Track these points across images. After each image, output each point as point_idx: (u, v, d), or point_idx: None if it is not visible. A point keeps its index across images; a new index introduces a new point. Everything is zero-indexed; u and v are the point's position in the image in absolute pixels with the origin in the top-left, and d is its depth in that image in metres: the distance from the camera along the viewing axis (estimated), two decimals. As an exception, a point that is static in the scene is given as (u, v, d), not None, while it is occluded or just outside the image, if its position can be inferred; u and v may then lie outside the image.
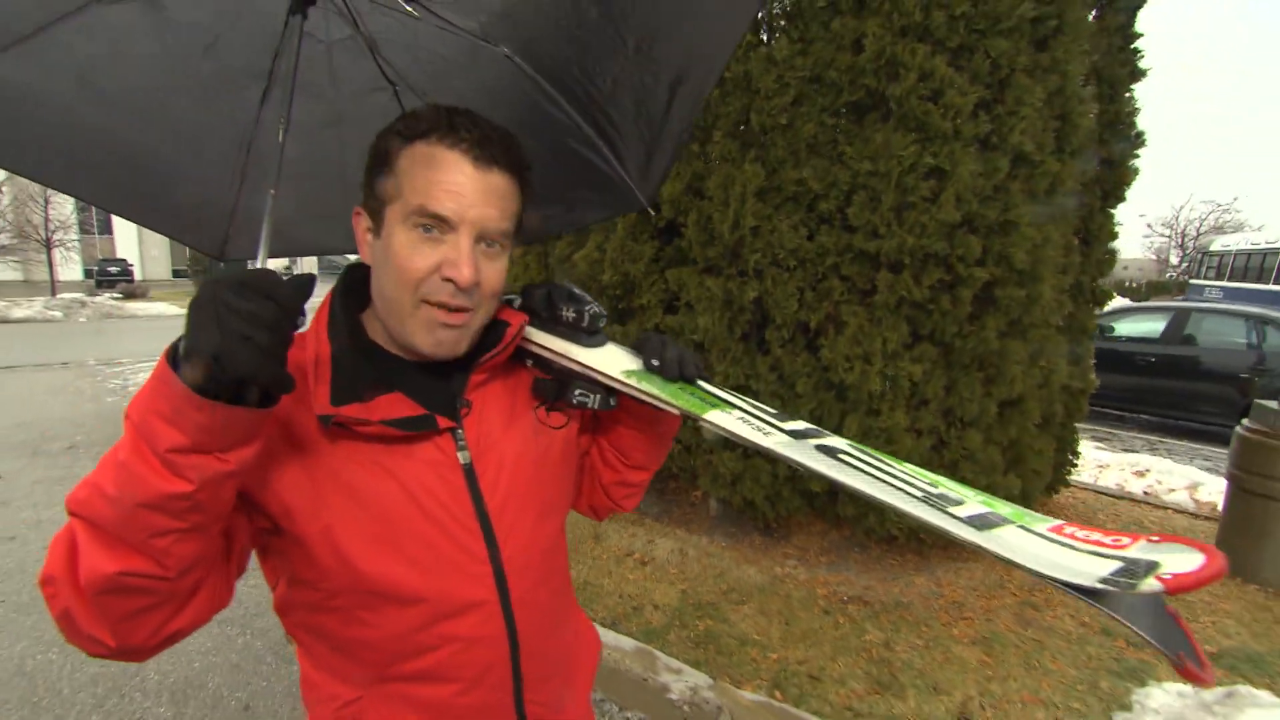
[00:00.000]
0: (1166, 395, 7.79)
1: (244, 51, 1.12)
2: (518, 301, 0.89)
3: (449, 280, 0.71)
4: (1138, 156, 3.97)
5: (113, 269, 27.47)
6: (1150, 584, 0.51)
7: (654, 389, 0.80)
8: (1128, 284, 31.82)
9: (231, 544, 0.70)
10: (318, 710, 0.81)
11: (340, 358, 0.73)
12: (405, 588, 0.73)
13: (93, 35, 1.02)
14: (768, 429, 0.77)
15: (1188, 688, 2.37)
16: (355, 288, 0.81)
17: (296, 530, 0.70)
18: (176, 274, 33.00)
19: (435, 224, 0.71)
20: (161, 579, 0.58)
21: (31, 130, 1.12)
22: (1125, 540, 0.61)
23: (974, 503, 0.69)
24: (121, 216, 1.38)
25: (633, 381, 0.81)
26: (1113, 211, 3.97)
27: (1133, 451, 6.39)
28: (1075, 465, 4.38)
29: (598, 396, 0.84)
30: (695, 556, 3.50)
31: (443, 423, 0.76)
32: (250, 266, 0.92)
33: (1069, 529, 0.65)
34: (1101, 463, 5.53)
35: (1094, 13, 3.70)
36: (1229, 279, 18.57)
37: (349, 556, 0.71)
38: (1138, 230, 42.50)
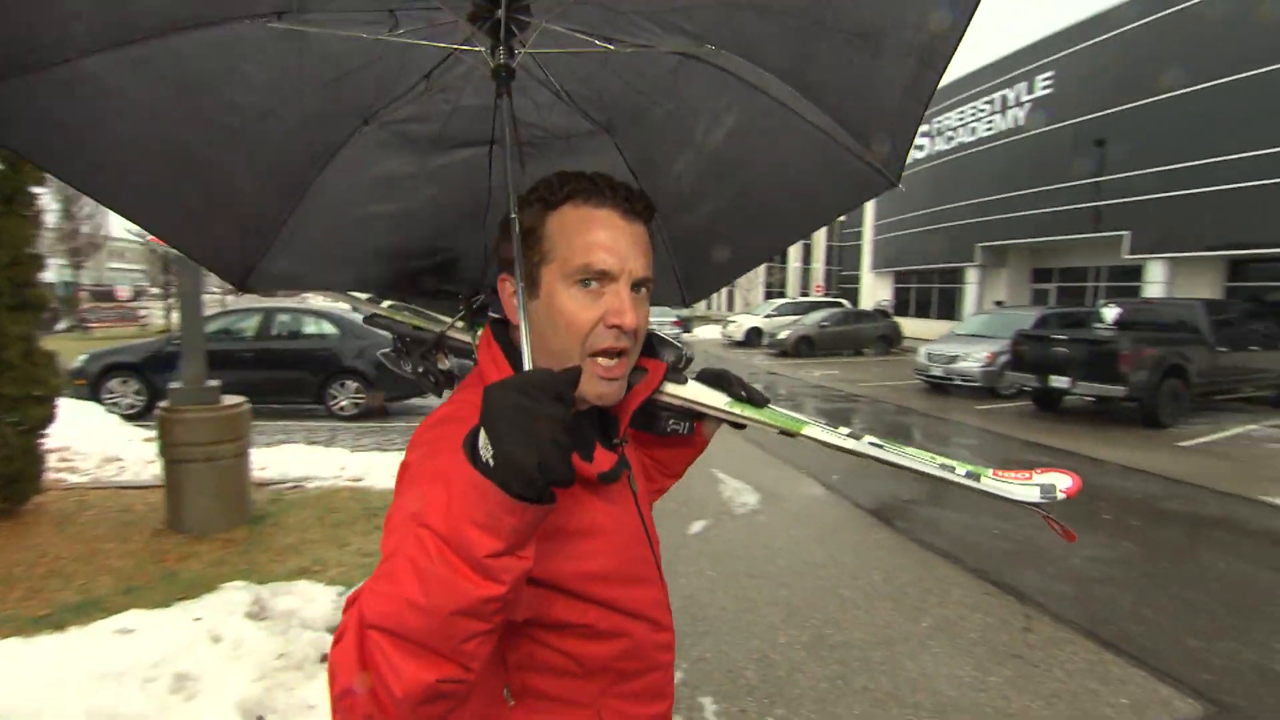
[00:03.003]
0: (267, 384, 8.90)
1: (360, 93, 1.03)
2: None
3: (614, 327, 0.78)
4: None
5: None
6: (1060, 495, 0.95)
7: (753, 414, 1.01)
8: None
9: None
10: None
11: None
12: (640, 605, 0.84)
13: (216, 51, 0.90)
14: (839, 435, 1.02)
15: None
16: (498, 336, 0.88)
17: (566, 587, 0.76)
18: None
19: (597, 279, 0.78)
20: (464, 682, 0.59)
21: (96, 138, 0.95)
22: (1029, 473, 0.99)
23: (961, 468, 1.00)
24: (151, 234, 1.19)
25: (737, 410, 1.01)
26: (26, 215, 4.04)
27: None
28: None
29: (687, 424, 1.05)
30: None
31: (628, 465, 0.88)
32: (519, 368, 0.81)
33: (1002, 473, 1.00)
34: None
35: None
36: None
37: (602, 595, 0.79)
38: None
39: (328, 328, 9.33)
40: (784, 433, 1.02)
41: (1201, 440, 8.54)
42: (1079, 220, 18.34)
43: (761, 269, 46.06)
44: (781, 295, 42.55)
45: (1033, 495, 0.99)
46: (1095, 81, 17.93)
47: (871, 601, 3.77)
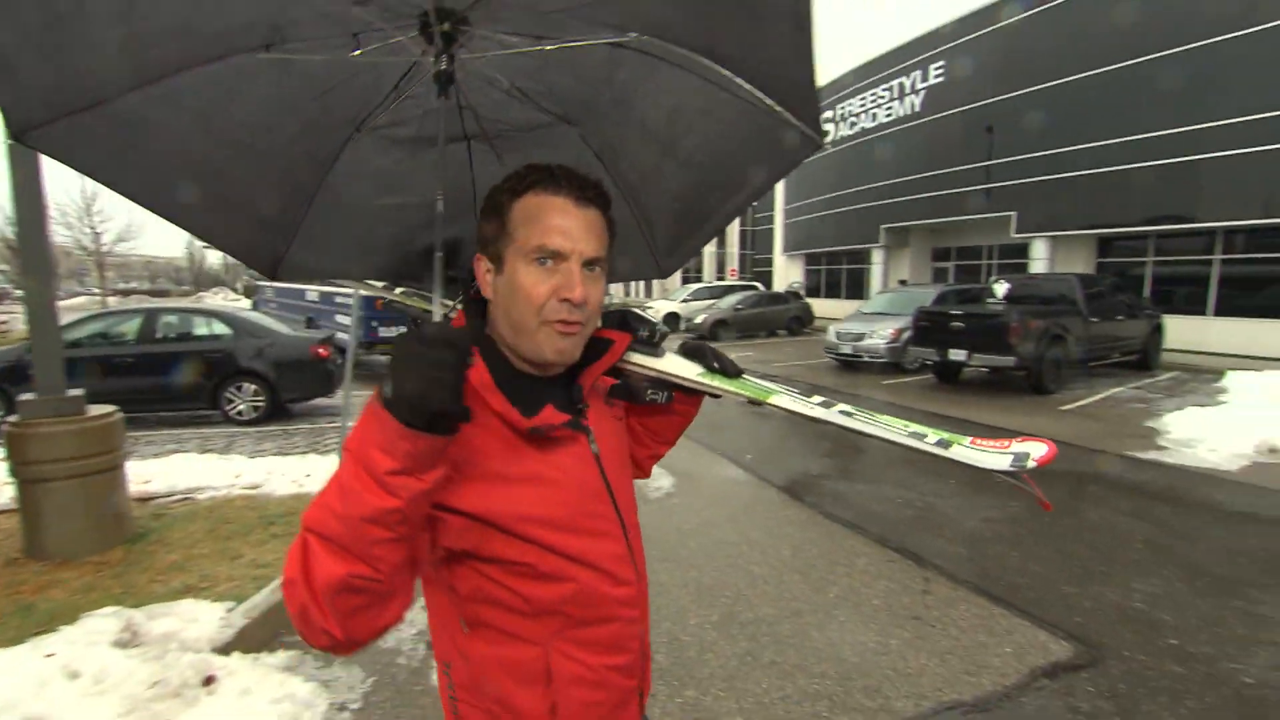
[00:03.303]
0: (153, 391, 8.23)
1: (347, 105, 1.20)
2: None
3: (565, 300, 0.88)
4: None
5: None
6: (1032, 463, 0.95)
7: (725, 384, 1.08)
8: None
9: (416, 555, 0.80)
10: (500, 683, 0.91)
11: (501, 382, 0.89)
12: (588, 553, 0.91)
13: (222, 81, 1.09)
14: (809, 404, 1.06)
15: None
16: (477, 314, 0.98)
17: (507, 527, 0.85)
18: None
19: (551, 257, 0.89)
20: (376, 580, 0.72)
21: (142, 158, 1.18)
22: (1006, 442, 1.02)
23: (933, 435, 1.03)
24: (191, 234, 1.52)
25: (707, 380, 1.08)
26: None
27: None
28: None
29: (665, 394, 1.11)
30: None
31: (586, 423, 0.97)
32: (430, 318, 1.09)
33: (979, 441, 1.03)
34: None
35: None
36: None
37: (545, 538, 0.87)
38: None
39: (220, 328, 8.72)
40: (752, 401, 1.09)
41: (1079, 404, 9.27)
42: (972, 202, 19.46)
43: (679, 254, 46.36)
44: (698, 280, 43.09)
45: (1003, 463, 1.00)
46: (982, 71, 19.00)
47: (780, 576, 3.88)
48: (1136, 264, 16.66)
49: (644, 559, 1.05)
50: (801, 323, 21.29)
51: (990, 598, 3.59)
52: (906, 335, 11.82)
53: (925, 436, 1.05)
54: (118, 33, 0.96)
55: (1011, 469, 0.98)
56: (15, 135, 1.03)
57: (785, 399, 1.08)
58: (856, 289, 26.01)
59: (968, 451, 1.02)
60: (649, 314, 23.90)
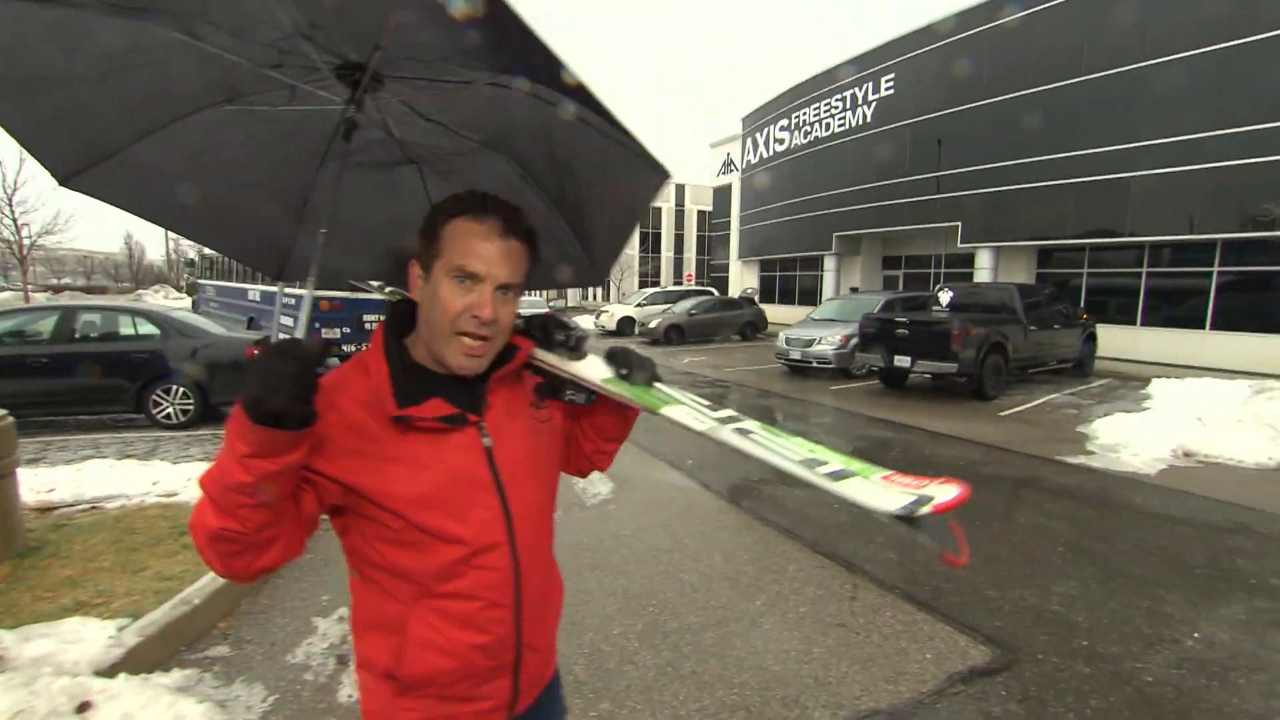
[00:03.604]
0: (71, 394, 7.79)
1: (310, 137, 1.43)
2: (521, 325, 1.16)
3: (475, 317, 1.01)
4: None
5: None
6: (926, 509, 0.86)
7: (624, 391, 1.12)
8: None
9: (301, 514, 0.97)
10: (369, 623, 1.08)
11: (395, 374, 1.03)
12: (447, 531, 1.02)
13: (205, 128, 1.36)
14: (703, 418, 1.07)
15: None
16: (400, 318, 1.11)
17: (368, 497, 0.99)
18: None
19: (468, 277, 1.01)
20: (242, 534, 0.89)
21: (155, 190, 1.49)
22: (926, 482, 0.93)
23: (836, 463, 0.99)
24: (210, 248, 1.97)
25: (610, 387, 1.13)
26: None
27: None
28: None
29: (584, 395, 1.18)
30: None
31: (471, 418, 1.06)
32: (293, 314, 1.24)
33: (895, 477, 0.96)
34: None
35: None
36: (220, 278, 20.81)
37: (405, 510, 1.00)
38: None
39: (147, 328, 8.30)
40: (647, 410, 1.12)
41: (1016, 409, 9.55)
42: (920, 211, 19.98)
43: (635, 260, 46.55)
44: (656, 284, 43.21)
45: (889, 505, 0.90)
46: (930, 85, 19.54)
47: (710, 584, 3.85)
48: (1074, 275, 17.33)
49: (542, 555, 1.16)
50: (755, 328, 21.49)
51: (916, 603, 3.63)
52: (854, 342, 12.02)
53: (822, 465, 0.99)
54: (110, 103, 1.27)
55: (896, 512, 0.88)
56: (61, 183, 1.39)
57: (679, 412, 1.09)
58: (810, 295, 26.42)
59: (861, 487, 0.95)
60: (604, 317, 23.82)
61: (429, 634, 1.03)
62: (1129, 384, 11.83)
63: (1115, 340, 15.36)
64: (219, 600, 3.44)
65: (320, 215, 1.57)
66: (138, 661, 2.81)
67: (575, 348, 1.18)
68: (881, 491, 0.94)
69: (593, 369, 1.17)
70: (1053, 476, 6.19)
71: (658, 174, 1.20)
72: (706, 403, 1.14)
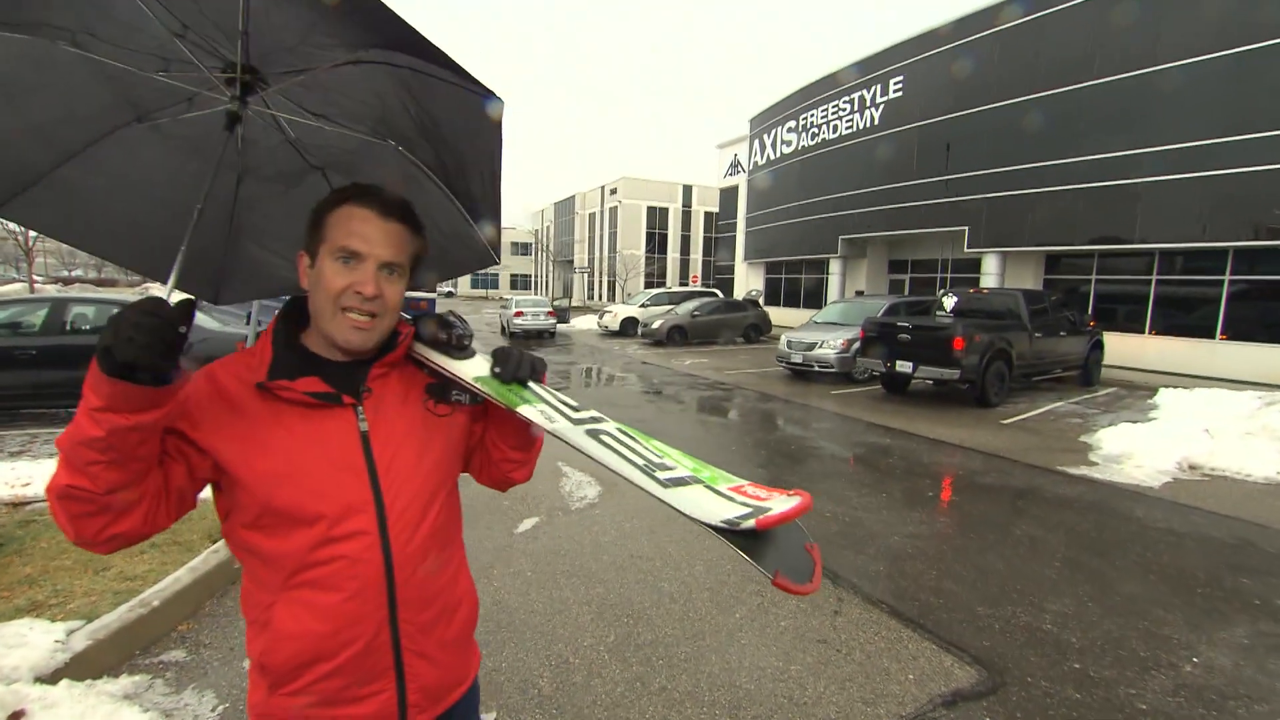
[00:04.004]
0: (61, 387, 7.74)
1: (220, 151, 1.27)
2: (410, 320, 1.17)
3: (358, 293, 1.03)
4: None
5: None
6: (748, 523, 0.84)
7: (488, 389, 1.12)
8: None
9: (169, 485, 0.96)
10: (249, 616, 1.06)
11: (278, 354, 1.05)
12: (306, 510, 0.99)
13: (121, 146, 1.36)
14: (556, 417, 1.08)
15: None
16: (296, 314, 1.12)
17: (230, 470, 0.98)
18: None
19: (351, 256, 1.03)
20: (92, 493, 0.86)
21: (84, 215, 1.49)
22: (775, 494, 0.92)
23: (682, 469, 1.00)
24: (143, 275, 1.67)
25: (477, 384, 1.12)
26: None
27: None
28: None
29: (468, 395, 1.17)
30: None
31: (347, 399, 1.05)
32: (163, 294, 1.10)
33: (746, 488, 0.96)
34: None
35: None
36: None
37: (264, 485, 0.99)
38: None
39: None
40: (506, 407, 1.12)
41: (1019, 417, 9.37)
42: (928, 215, 19.76)
43: (641, 260, 46.41)
44: (662, 285, 43.12)
45: (713, 516, 0.90)
46: (939, 87, 19.33)
47: (689, 594, 3.71)
48: (1082, 281, 17.08)
49: (431, 555, 1.10)
50: (759, 330, 21.33)
51: (902, 619, 3.49)
52: (856, 346, 11.86)
53: (664, 471, 0.97)
54: (19, 126, 1.26)
55: (719, 525, 0.87)
56: None
57: (532, 410, 1.10)
58: (815, 298, 26.23)
59: (694, 496, 0.93)
60: (607, 318, 23.70)
61: (290, 624, 1.01)
62: (1136, 393, 11.62)
63: (1123, 348, 15.12)
64: (180, 602, 3.34)
65: (251, 232, 1.61)
66: (85, 666, 2.70)
67: (459, 346, 1.17)
68: (714, 502, 0.93)
69: (471, 367, 1.16)
70: (1053, 487, 6.03)
71: (492, 101, 1.17)
72: (573, 403, 1.14)
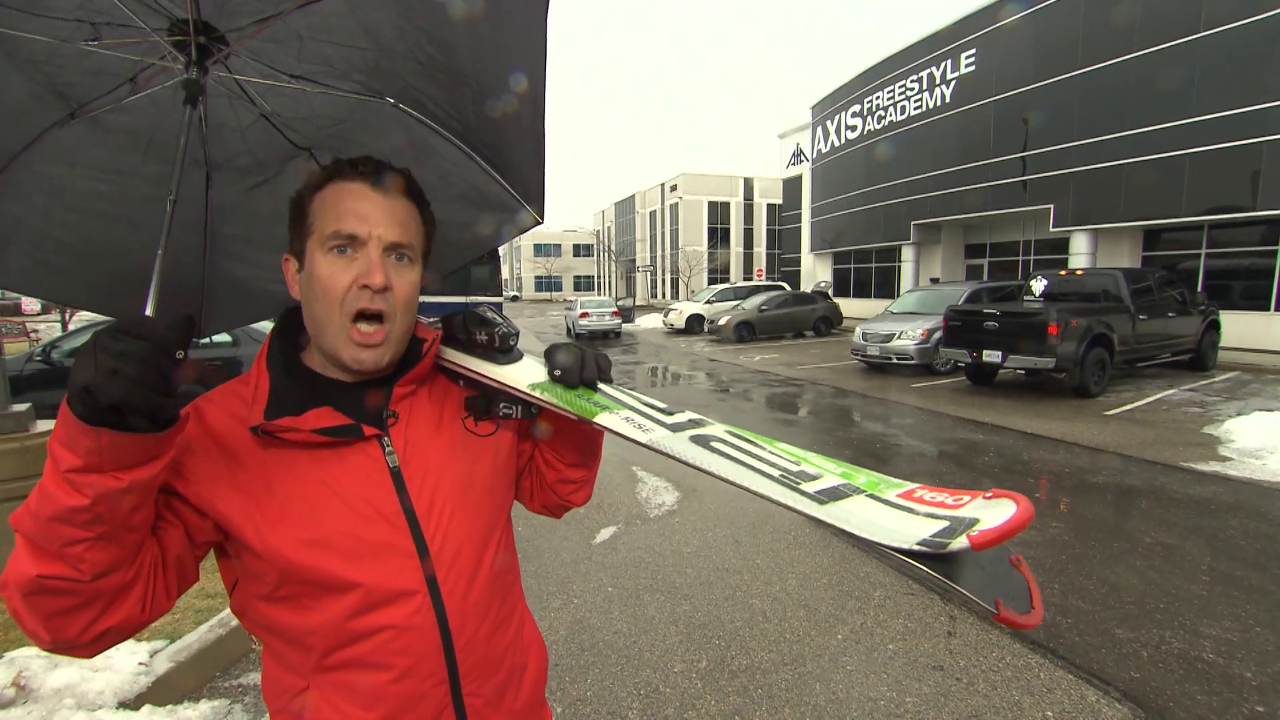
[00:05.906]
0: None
1: (182, 140, 1.05)
2: (437, 324, 0.95)
3: (365, 287, 0.80)
4: None
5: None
6: (960, 542, 0.59)
7: (553, 397, 0.88)
8: None
9: (166, 556, 0.75)
10: (274, 705, 0.85)
11: (277, 383, 0.83)
12: (336, 577, 0.78)
13: (52, 156, 1.10)
14: (650, 425, 0.85)
15: None
16: (292, 329, 0.89)
17: (234, 533, 0.77)
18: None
19: (348, 243, 0.81)
20: (77, 581, 0.65)
21: (16, 247, 1.19)
22: (965, 498, 0.69)
23: (831, 476, 0.78)
24: (99, 314, 1.42)
25: (536, 392, 0.89)
26: None
27: None
28: None
29: (519, 408, 0.93)
30: None
31: (368, 430, 0.83)
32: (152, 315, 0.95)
33: (919, 492, 0.74)
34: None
35: None
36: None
37: (281, 551, 0.77)
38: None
39: (221, 335, 8.56)
40: (581, 418, 0.89)
41: (1126, 408, 8.58)
42: (1007, 195, 18.62)
43: (704, 256, 45.94)
44: (725, 281, 42.58)
45: (903, 538, 0.65)
46: (1016, 58, 18.15)
47: (784, 612, 3.42)
48: (1188, 256, 15.68)
49: (493, 610, 0.89)
50: (830, 323, 20.65)
51: (1026, 642, 3.09)
52: (937, 336, 11.20)
53: (809, 481, 0.76)
54: None
55: (917, 549, 0.62)
56: None
57: (615, 419, 0.86)
58: (887, 288, 25.21)
59: (864, 511, 0.70)
60: (672, 315, 23.45)
61: (329, 715, 0.81)
62: (1263, 378, 10.51)
63: (1243, 328, 13.76)
64: (261, 620, 3.29)
65: (231, 248, 1.35)
66: (168, 690, 2.65)
67: (503, 348, 0.95)
68: (892, 517, 0.70)
69: (522, 373, 0.94)
70: (1181, 487, 5.40)
71: (533, 18, 0.92)
72: (662, 406, 0.95)
